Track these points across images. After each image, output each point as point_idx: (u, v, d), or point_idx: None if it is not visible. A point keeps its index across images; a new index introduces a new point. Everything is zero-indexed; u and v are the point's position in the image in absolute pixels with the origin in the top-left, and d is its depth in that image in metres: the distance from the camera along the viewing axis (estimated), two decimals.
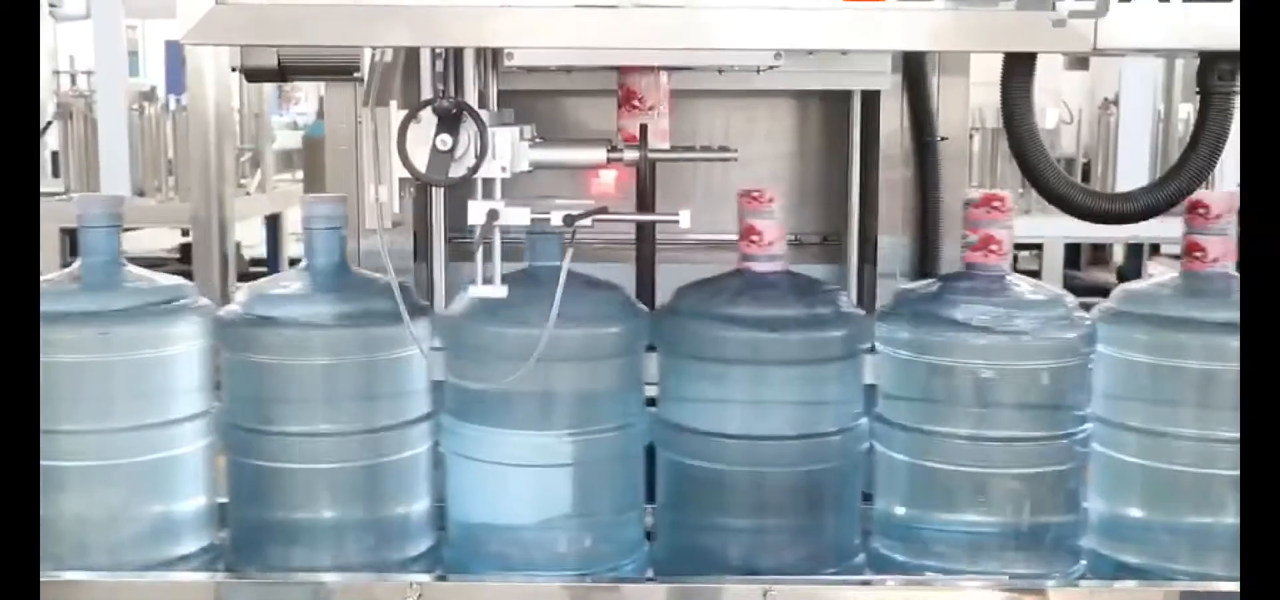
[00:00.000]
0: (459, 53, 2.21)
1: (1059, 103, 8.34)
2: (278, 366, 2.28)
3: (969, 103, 2.88)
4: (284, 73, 2.45)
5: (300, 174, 8.52)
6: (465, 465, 2.31)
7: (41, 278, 2.23)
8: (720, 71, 2.60)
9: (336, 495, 2.29)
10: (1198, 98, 2.12)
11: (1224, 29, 1.98)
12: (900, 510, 2.34)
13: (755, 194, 2.29)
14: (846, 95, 2.86)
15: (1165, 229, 8.18)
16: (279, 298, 2.35)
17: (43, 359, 2.10)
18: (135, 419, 2.28)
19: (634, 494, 2.35)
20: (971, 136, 8.05)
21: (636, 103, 2.49)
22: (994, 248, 2.22)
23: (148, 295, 2.35)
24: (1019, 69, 2.10)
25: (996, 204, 2.19)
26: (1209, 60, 2.07)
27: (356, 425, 2.27)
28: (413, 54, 2.23)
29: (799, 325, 2.26)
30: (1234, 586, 2.18)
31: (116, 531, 2.28)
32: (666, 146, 2.49)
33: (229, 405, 2.33)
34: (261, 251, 9.59)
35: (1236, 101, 2.10)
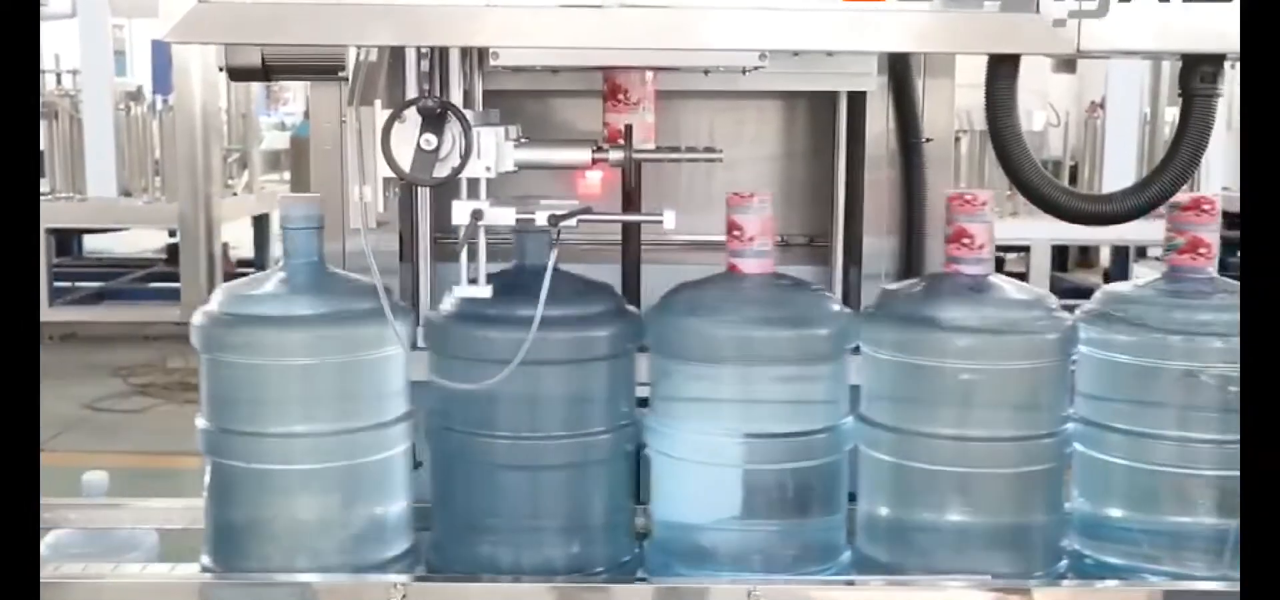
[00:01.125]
0: (444, 52, 2.20)
1: (1046, 105, 8.36)
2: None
3: (954, 104, 2.87)
4: (268, 72, 2.44)
5: (288, 175, 8.50)
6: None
7: (244, 279, 2.32)
8: (706, 72, 2.59)
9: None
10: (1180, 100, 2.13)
11: (1206, 32, 2.00)
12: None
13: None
14: (833, 96, 2.86)
15: (1152, 231, 8.21)
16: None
17: (258, 362, 2.20)
18: (348, 422, 2.30)
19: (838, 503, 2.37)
20: (959, 139, 8.07)
21: (622, 98, 2.49)
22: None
23: (354, 298, 2.34)
24: (1003, 71, 2.10)
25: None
26: (1191, 63, 2.08)
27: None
28: (398, 54, 2.23)
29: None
30: (1215, 585, 2.20)
31: (329, 536, 2.31)
32: (652, 146, 2.49)
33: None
34: (249, 252, 9.56)
35: (1218, 104, 2.11)
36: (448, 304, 2.36)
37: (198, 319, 2.31)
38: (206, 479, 2.36)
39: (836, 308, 2.38)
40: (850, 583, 2.33)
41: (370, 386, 2.33)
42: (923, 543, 2.30)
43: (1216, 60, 2.07)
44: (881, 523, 2.35)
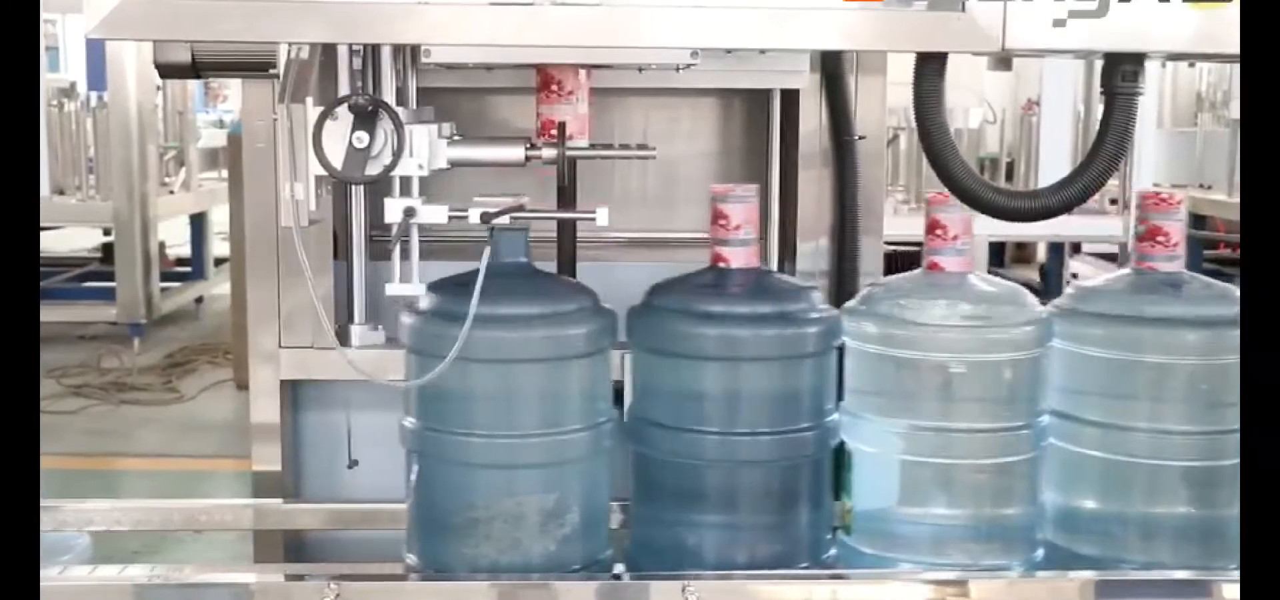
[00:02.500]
0: (376, 50, 2.20)
1: (983, 103, 8.47)
2: None
3: (886, 101, 2.91)
4: (198, 69, 2.42)
5: (226, 173, 8.41)
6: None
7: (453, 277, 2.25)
8: (640, 70, 2.61)
9: None
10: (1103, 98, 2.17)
11: (1128, 31, 2.03)
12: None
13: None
14: (767, 94, 2.89)
15: (1089, 227, 8.34)
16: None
17: (493, 362, 2.18)
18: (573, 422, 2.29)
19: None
20: (897, 136, 8.16)
21: (555, 89, 2.49)
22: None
23: (567, 300, 2.33)
24: (930, 69, 2.13)
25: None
26: (1113, 61, 2.12)
27: None
28: (330, 51, 2.22)
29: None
30: (1182, 574, 2.26)
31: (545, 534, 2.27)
32: (586, 144, 2.49)
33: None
34: (186, 250, 9.46)
35: (1140, 102, 2.14)
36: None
37: (408, 321, 2.29)
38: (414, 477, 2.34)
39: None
40: (784, 577, 2.36)
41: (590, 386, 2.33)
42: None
43: (1137, 59, 2.10)
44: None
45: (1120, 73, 2.12)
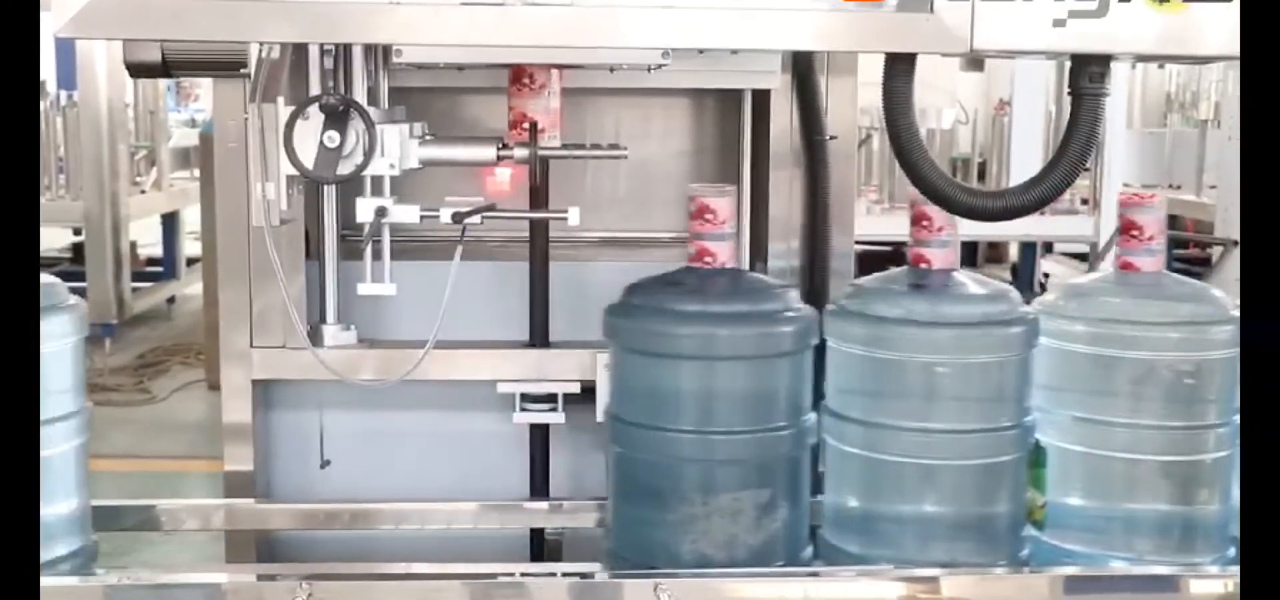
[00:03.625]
0: (348, 49, 2.20)
1: (955, 103, 8.51)
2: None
3: (857, 102, 2.93)
4: (169, 68, 2.41)
5: (197, 172, 8.37)
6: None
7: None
8: (612, 70, 2.62)
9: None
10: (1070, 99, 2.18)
11: (1094, 33, 2.05)
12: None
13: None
14: (738, 94, 2.90)
15: (1060, 227, 8.38)
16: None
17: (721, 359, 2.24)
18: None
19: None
20: (870, 136, 8.19)
21: (527, 83, 2.50)
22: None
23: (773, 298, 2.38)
24: (899, 69, 2.14)
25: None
26: (1080, 62, 2.13)
27: None
28: (301, 50, 2.22)
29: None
30: (1162, 570, 2.29)
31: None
32: (558, 143, 2.50)
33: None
34: (158, 250, 9.40)
35: (1106, 102, 2.16)
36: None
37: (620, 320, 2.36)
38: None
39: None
40: (755, 575, 2.37)
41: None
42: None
43: (1103, 60, 2.12)
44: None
45: (1087, 74, 2.13)
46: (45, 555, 2.24)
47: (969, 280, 2.43)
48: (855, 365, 2.37)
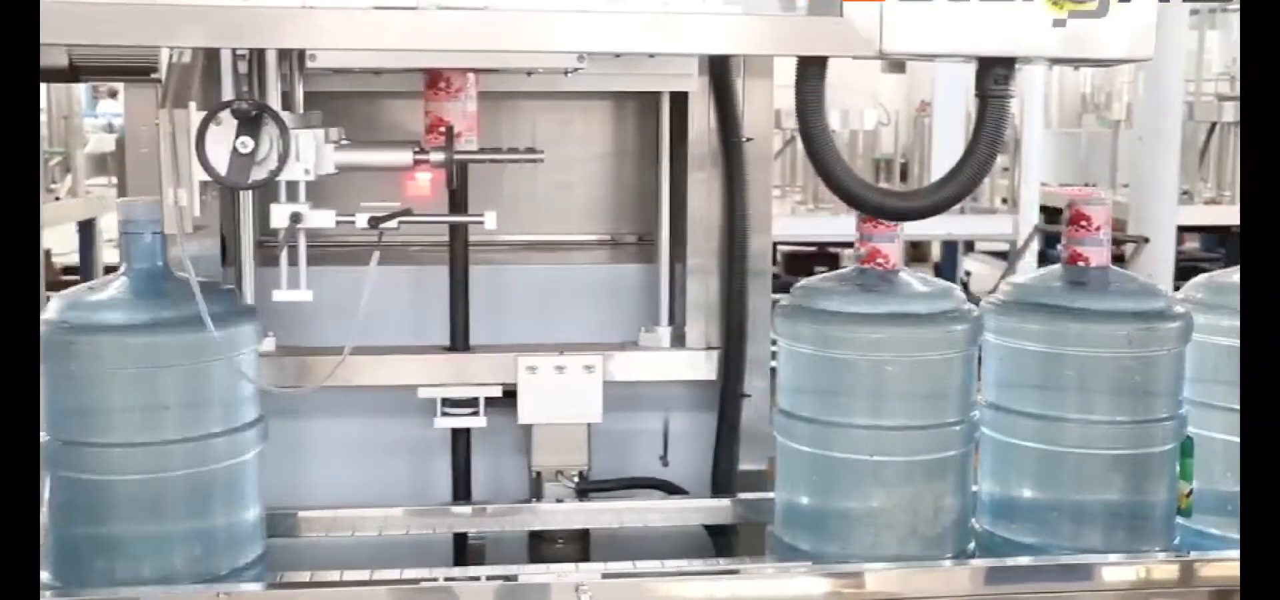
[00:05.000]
0: (261, 54, 2.18)
1: (877, 105, 8.63)
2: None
3: (773, 104, 2.96)
4: (77, 73, 2.37)
5: (115, 179, 8.23)
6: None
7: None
8: (529, 73, 2.62)
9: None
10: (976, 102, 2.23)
11: (999, 35, 2.10)
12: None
13: None
14: (656, 96, 2.92)
15: (980, 226, 8.49)
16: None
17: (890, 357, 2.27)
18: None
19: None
20: (794, 138, 8.27)
21: (443, 87, 2.50)
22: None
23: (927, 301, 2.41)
24: (811, 72, 2.17)
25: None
26: (986, 65, 2.18)
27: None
28: (213, 54, 2.20)
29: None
30: (1077, 559, 2.35)
31: None
32: (475, 147, 2.50)
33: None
34: (75, 259, 9.22)
35: (1012, 104, 2.21)
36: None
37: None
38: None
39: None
40: (682, 574, 2.39)
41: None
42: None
43: (1008, 63, 2.17)
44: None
45: (993, 76, 2.18)
46: (237, 562, 2.27)
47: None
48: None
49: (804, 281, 2.52)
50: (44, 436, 2.22)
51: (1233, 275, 2.56)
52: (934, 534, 2.38)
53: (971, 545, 2.46)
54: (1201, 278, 2.65)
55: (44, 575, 2.27)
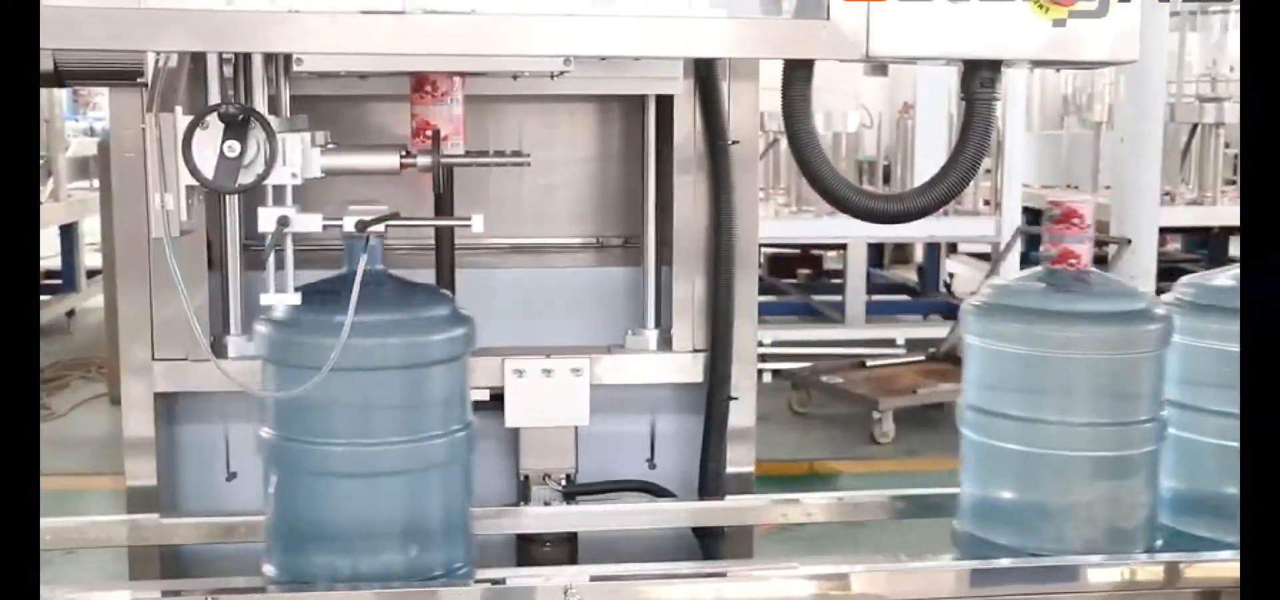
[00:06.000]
0: (247, 58, 2.18)
1: (860, 107, 8.63)
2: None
3: (759, 107, 2.96)
4: (62, 78, 2.36)
5: (97, 182, 8.19)
6: None
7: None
8: (515, 77, 2.62)
9: None
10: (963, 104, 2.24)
11: (985, 39, 2.11)
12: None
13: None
14: (642, 100, 2.93)
15: (961, 228, 8.52)
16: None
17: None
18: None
19: None
20: (778, 141, 8.27)
21: (429, 90, 2.50)
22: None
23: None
24: (798, 75, 2.18)
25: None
26: (971, 67, 2.19)
27: None
28: (199, 59, 2.19)
29: None
30: (1064, 560, 2.38)
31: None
32: (461, 151, 2.50)
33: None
34: (57, 263, 9.17)
35: (998, 106, 2.23)
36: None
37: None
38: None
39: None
40: (668, 576, 2.40)
41: None
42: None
43: (994, 66, 2.18)
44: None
45: (978, 79, 2.19)
46: (452, 562, 2.34)
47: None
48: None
49: (997, 281, 2.60)
50: (267, 433, 2.30)
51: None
52: (1130, 528, 2.43)
53: (1159, 542, 2.50)
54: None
55: (266, 568, 2.35)
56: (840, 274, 8.34)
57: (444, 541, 2.35)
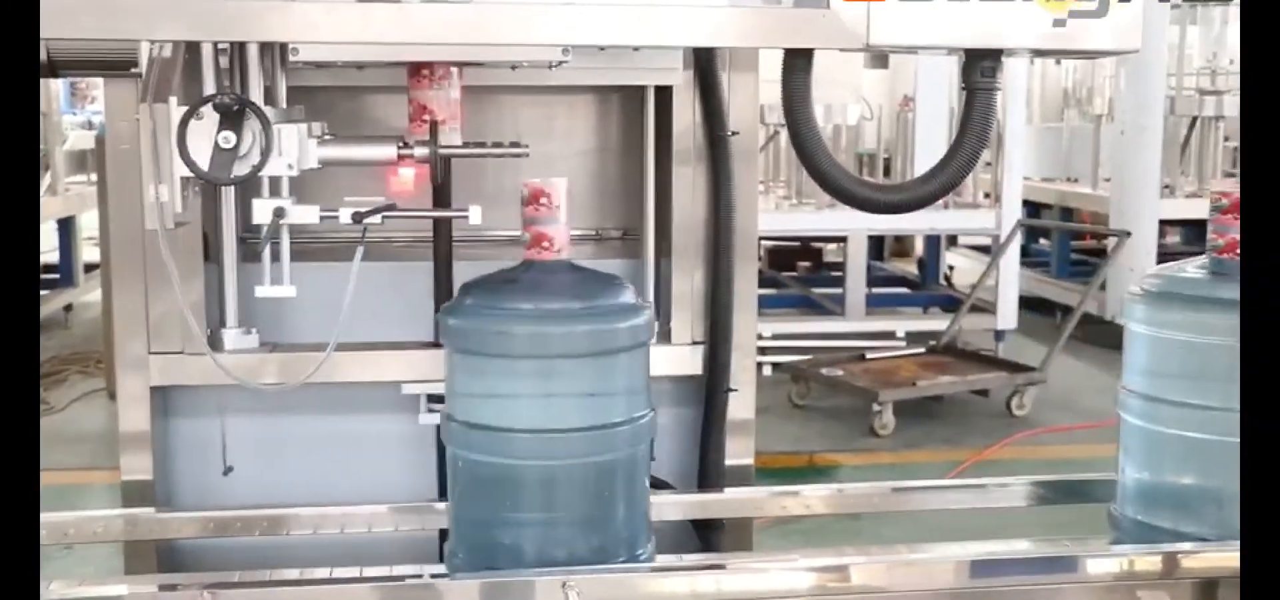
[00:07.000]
0: (243, 48, 2.16)
1: (860, 99, 8.63)
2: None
3: (759, 98, 2.95)
4: (55, 68, 2.35)
5: (95, 176, 8.18)
6: None
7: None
8: (513, 67, 2.61)
9: None
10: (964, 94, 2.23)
11: (986, 28, 2.10)
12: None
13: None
14: (641, 91, 2.91)
15: (961, 220, 8.50)
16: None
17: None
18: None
19: None
20: (777, 133, 8.27)
21: (426, 75, 2.48)
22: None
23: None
24: (798, 65, 2.17)
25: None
26: (972, 58, 2.18)
27: None
28: (194, 48, 2.18)
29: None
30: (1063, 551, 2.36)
31: None
32: (459, 142, 2.48)
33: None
34: (55, 257, 9.16)
35: (999, 97, 2.21)
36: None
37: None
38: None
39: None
40: (660, 570, 2.38)
41: None
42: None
43: (995, 56, 2.17)
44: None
45: (979, 69, 2.18)
46: (634, 551, 2.32)
47: None
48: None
49: (1161, 270, 2.58)
50: (447, 417, 2.28)
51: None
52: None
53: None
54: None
55: (451, 558, 2.34)
56: (840, 267, 8.33)
57: (627, 527, 2.33)
